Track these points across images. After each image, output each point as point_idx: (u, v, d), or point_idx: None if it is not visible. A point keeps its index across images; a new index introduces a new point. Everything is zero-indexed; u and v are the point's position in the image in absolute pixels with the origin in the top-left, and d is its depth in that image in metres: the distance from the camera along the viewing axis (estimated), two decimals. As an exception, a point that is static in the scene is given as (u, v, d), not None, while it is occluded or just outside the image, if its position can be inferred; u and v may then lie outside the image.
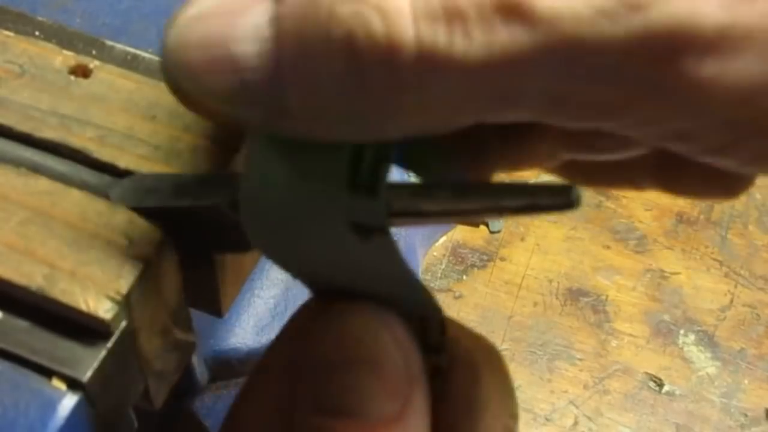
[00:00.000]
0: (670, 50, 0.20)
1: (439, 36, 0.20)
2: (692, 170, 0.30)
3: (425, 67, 0.21)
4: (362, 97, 0.21)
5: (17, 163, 0.31)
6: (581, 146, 0.30)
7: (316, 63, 0.21)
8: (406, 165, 0.28)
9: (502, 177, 0.32)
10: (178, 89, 0.24)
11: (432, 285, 0.76)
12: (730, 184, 0.30)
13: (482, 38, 0.20)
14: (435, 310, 0.27)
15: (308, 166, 0.24)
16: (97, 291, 0.28)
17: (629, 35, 0.20)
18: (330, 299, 0.27)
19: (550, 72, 0.20)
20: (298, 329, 0.28)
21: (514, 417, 0.29)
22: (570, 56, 0.20)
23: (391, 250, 0.25)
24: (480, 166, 0.30)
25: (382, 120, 0.22)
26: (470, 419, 0.28)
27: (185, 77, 0.23)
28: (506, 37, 0.20)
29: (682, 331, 0.76)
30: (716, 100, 0.21)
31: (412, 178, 0.29)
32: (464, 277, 0.77)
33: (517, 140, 0.30)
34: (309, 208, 0.24)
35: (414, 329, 0.27)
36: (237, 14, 0.23)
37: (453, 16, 0.20)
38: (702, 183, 0.30)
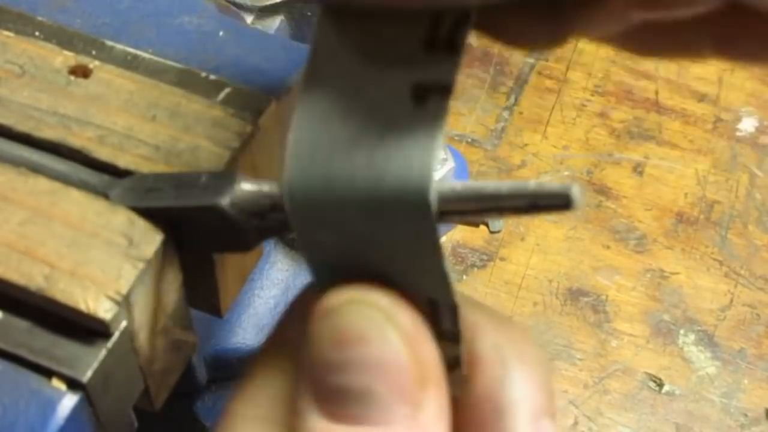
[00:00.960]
0: None
1: None
2: (753, 31, 0.27)
3: None
4: None
5: (17, 163, 0.31)
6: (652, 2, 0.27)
7: None
8: (488, 29, 0.27)
9: (502, 177, 0.31)
10: None
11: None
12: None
13: None
14: (447, 289, 0.24)
15: (383, 38, 0.24)
16: (97, 291, 0.28)
17: None
18: (331, 284, 0.25)
19: None
20: (296, 319, 0.26)
21: (551, 415, 0.26)
22: None
23: (437, 131, 0.23)
24: (556, 27, 0.27)
25: None
26: (500, 423, 0.25)
27: None
28: None
29: (682, 331, 0.76)
30: None
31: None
32: (464, 277, 0.77)
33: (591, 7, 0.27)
34: (375, 76, 0.24)
35: (427, 314, 0.24)
36: None
37: None
38: (761, 45, 0.27)
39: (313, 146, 0.24)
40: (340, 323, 0.24)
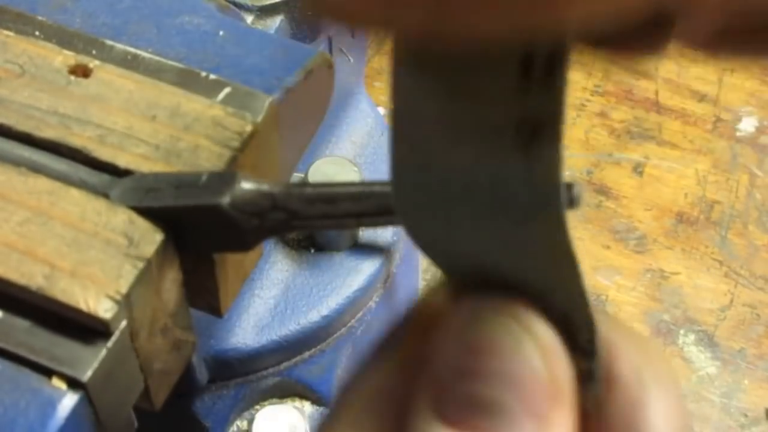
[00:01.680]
0: None
1: None
2: None
3: None
4: None
5: (17, 163, 0.31)
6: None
7: None
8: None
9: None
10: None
11: (432, 285, 0.76)
12: None
13: None
14: (585, 305, 0.23)
15: (469, 81, 0.22)
16: (97, 291, 0.28)
17: None
18: (465, 288, 0.24)
19: None
20: (423, 318, 0.25)
21: None
22: None
23: (554, 160, 0.22)
24: (656, 42, 0.25)
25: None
26: None
27: None
28: None
29: (682, 331, 0.76)
30: None
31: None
32: (464, 277, 0.77)
33: None
34: (469, 130, 0.22)
35: (560, 328, 0.23)
36: None
37: None
38: None
39: (419, 194, 0.23)
40: (476, 331, 0.23)
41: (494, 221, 0.22)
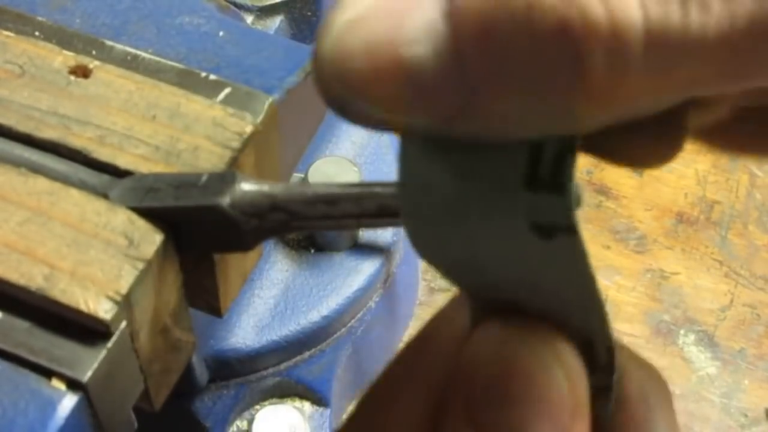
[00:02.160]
0: None
1: (671, 12, 0.18)
2: None
3: (655, 48, 0.18)
4: (576, 88, 0.19)
5: (17, 163, 0.31)
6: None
7: (516, 59, 0.19)
8: (596, 154, 0.25)
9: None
10: (335, 100, 0.21)
11: (432, 285, 0.76)
12: None
13: (722, 8, 0.18)
14: (606, 330, 0.24)
15: (479, 166, 0.22)
16: (97, 291, 0.28)
17: None
18: (494, 311, 0.24)
19: None
20: (451, 337, 0.26)
21: None
22: None
23: (577, 252, 0.22)
24: (669, 140, 0.26)
25: (594, 109, 0.20)
26: None
27: (347, 87, 0.20)
28: (751, 4, 0.18)
29: (682, 331, 0.76)
30: None
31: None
32: (464, 277, 0.77)
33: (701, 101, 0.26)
34: (480, 210, 0.22)
35: (580, 348, 0.25)
36: (403, 12, 0.20)
37: None
38: None
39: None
40: (507, 356, 0.24)
41: (517, 243, 0.22)
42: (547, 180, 0.21)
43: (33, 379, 0.28)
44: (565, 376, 0.24)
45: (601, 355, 0.25)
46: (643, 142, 0.25)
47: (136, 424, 0.33)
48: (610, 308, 0.77)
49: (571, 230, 0.21)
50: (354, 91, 0.20)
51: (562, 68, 0.19)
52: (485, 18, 0.19)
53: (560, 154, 0.21)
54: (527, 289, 0.24)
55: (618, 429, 0.26)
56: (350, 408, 0.52)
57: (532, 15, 0.18)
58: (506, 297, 0.24)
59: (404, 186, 0.23)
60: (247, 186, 0.29)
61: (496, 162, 0.22)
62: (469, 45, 0.19)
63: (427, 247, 0.24)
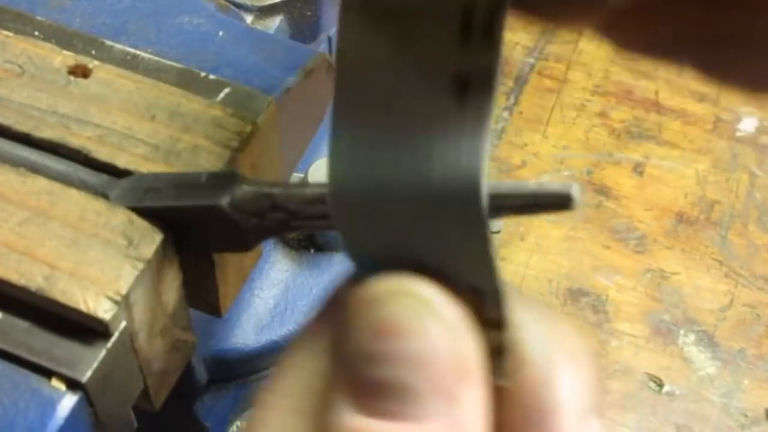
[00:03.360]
0: None
1: None
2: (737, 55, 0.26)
3: None
4: None
5: (16, 163, 0.31)
6: None
7: None
8: (522, 7, 0.25)
9: (502, 177, 0.31)
10: None
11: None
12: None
13: None
14: (494, 275, 0.23)
15: (415, 31, 0.23)
16: (97, 291, 0.28)
17: None
18: (373, 275, 0.24)
19: None
20: (338, 305, 0.25)
21: (598, 413, 0.25)
22: None
23: (483, 118, 0.22)
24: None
25: None
26: (546, 424, 0.24)
27: None
28: None
29: (682, 331, 0.76)
30: None
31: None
32: (464, 277, 0.77)
33: None
34: (413, 84, 0.23)
35: (469, 302, 0.24)
36: None
37: None
38: (744, 73, 0.26)
39: (354, 145, 0.24)
40: (380, 314, 0.23)
41: (411, 210, 0.23)
42: (480, 29, 0.22)
43: (33, 379, 0.28)
44: (444, 333, 0.23)
45: (491, 306, 0.24)
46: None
47: (135, 425, 0.33)
48: (610, 308, 0.77)
49: (489, 77, 0.22)
50: None
51: None
52: None
53: (491, 7, 0.22)
54: (416, 239, 0.23)
55: (519, 393, 0.24)
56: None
57: None
58: (390, 248, 0.24)
59: (340, 55, 0.23)
60: (246, 186, 0.29)
61: (431, 25, 0.22)
62: None
63: (348, 162, 0.24)
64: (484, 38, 0.22)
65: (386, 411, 0.23)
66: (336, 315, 0.25)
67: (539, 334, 0.25)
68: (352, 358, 0.23)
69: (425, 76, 0.23)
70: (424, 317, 0.23)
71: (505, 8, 0.22)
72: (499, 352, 0.24)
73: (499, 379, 0.24)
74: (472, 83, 0.22)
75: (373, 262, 0.25)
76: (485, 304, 0.24)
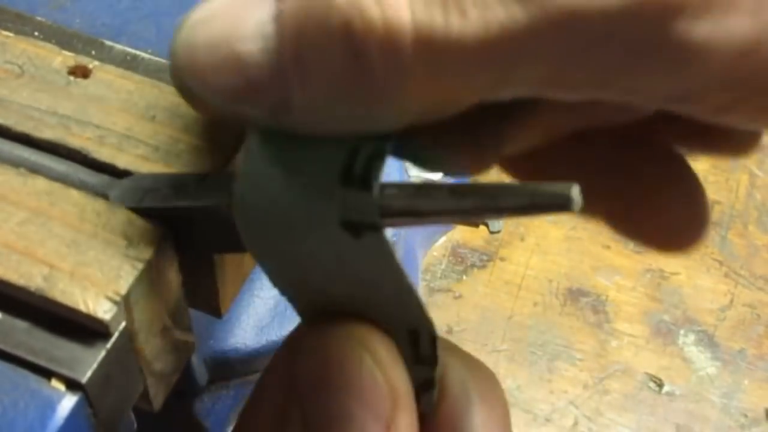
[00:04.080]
0: (661, 14, 0.20)
1: (435, 16, 0.21)
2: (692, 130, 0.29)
3: (424, 49, 0.21)
4: (363, 85, 0.22)
5: (16, 164, 0.31)
6: (581, 117, 0.30)
7: (318, 55, 0.22)
8: (408, 158, 0.28)
9: (503, 177, 0.31)
10: (184, 89, 0.24)
11: (432, 285, 0.76)
12: (738, 142, 0.29)
13: (478, 16, 0.21)
14: (426, 321, 0.27)
15: (305, 163, 0.24)
16: (97, 291, 0.28)
17: (621, 2, 0.20)
18: (318, 319, 0.28)
19: (547, 45, 0.21)
20: (290, 349, 0.28)
21: None
22: (565, 28, 0.20)
23: (384, 251, 0.25)
24: (481, 152, 0.29)
25: (384, 108, 0.22)
26: None
27: (192, 77, 0.24)
28: (502, 13, 0.20)
29: (682, 331, 0.76)
30: (711, 61, 0.21)
31: (412, 178, 0.29)
32: (464, 277, 0.77)
33: (516, 118, 0.29)
34: (302, 206, 0.25)
35: (404, 341, 0.27)
36: (241, 14, 0.23)
37: None
38: (706, 141, 0.30)
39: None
40: (324, 352, 0.27)
41: (333, 242, 0.25)
42: (358, 178, 0.24)
43: (32, 380, 0.28)
44: (379, 368, 0.26)
45: (425, 346, 0.27)
46: (453, 149, 0.27)
47: (135, 425, 0.33)
48: (610, 308, 0.77)
49: (376, 228, 0.24)
50: (197, 81, 0.23)
51: (348, 66, 0.21)
52: (299, 21, 0.22)
53: (372, 156, 0.24)
54: (346, 285, 0.26)
55: (439, 421, 0.28)
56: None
57: (329, 16, 0.21)
58: (328, 296, 0.27)
59: (241, 176, 0.25)
60: (246, 186, 0.29)
61: (319, 159, 0.24)
62: (287, 45, 0.22)
63: (261, 249, 0.27)
64: (361, 188, 0.24)
65: None
66: (292, 352, 0.28)
67: (462, 374, 0.28)
68: (305, 389, 0.27)
69: (316, 213, 0.25)
70: (363, 355, 0.26)
71: (384, 159, 0.24)
72: (428, 385, 0.28)
73: (426, 408, 0.28)
74: (362, 231, 0.24)
75: (315, 304, 0.28)
76: (421, 341, 0.27)
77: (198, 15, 0.24)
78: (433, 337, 0.27)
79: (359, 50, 0.21)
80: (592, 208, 0.30)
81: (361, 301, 0.27)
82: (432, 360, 0.27)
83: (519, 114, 0.28)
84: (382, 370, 0.26)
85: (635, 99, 0.23)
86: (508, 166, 0.31)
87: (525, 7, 0.20)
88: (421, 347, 0.27)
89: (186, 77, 0.24)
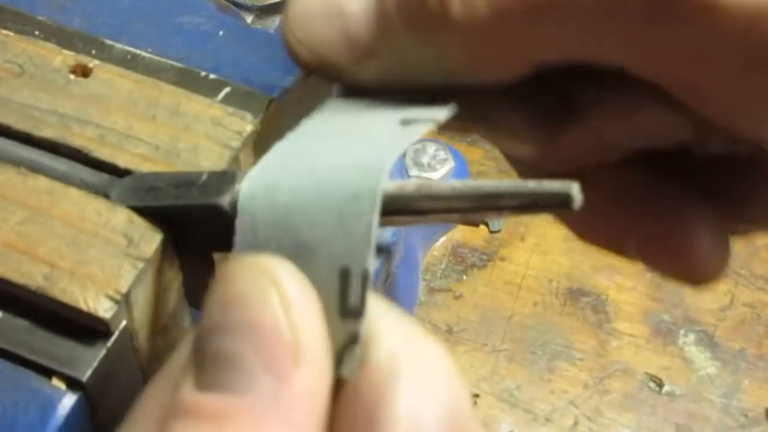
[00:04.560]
0: None
1: None
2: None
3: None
4: (441, 31, 0.26)
5: (16, 163, 0.31)
6: (630, 132, 0.30)
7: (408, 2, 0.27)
8: (467, 120, 0.30)
9: (502, 177, 0.31)
10: (292, 40, 0.29)
11: (432, 285, 0.76)
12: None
13: None
14: (367, 260, 0.23)
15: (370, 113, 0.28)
16: (97, 290, 0.28)
17: None
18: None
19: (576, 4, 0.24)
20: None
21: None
22: None
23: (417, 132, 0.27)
24: (538, 136, 0.31)
25: (455, 54, 0.27)
26: None
27: (301, 27, 0.29)
28: None
29: (682, 331, 0.76)
30: (723, 22, 0.23)
31: (412, 178, 0.30)
32: (464, 277, 0.77)
33: (568, 114, 0.30)
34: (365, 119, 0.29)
35: (330, 286, 0.23)
36: None
37: None
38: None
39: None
40: (228, 288, 0.23)
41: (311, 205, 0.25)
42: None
43: (33, 379, 0.28)
44: (283, 308, 0.22)
45: (355, 293, 0.23)
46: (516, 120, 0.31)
47: (135, 424, 0.33)
48: (610, 308, 0.77)
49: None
50: (305, 31, 0.29)
51: (433, 6, 0.26)
52: None
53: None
54: (302, 220, 0.25)
55: (357, 391, 0.23)
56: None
57: None
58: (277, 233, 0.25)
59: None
60: (246, 185, 0.29)
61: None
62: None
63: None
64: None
65: (218, 383, 0.22)
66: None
67: (393, 344, 0.23)
68: (198, 332, 0.23)
69: (381, 116, 0.28)
70: (267, 290, 0.22)
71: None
72: (351, 342, 0.23)
73: (345, 371, 0.23)
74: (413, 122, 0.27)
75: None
76: (350, 289, 0.23)
77: None
78: (365, 280, 0.23)
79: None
80: (622, 238, 0.33)
81: (305, 227, 0.24)
82: (359, 311, 0.23)
83: (570, 113, 0.30)
84: (287, 312, 0.22)
85: (656, 64, 0.25)
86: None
87: None
88: (350, 295, 0.23)
89: (296, 28, 0.29)
